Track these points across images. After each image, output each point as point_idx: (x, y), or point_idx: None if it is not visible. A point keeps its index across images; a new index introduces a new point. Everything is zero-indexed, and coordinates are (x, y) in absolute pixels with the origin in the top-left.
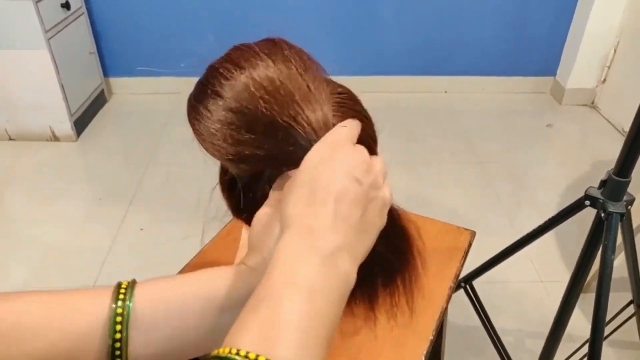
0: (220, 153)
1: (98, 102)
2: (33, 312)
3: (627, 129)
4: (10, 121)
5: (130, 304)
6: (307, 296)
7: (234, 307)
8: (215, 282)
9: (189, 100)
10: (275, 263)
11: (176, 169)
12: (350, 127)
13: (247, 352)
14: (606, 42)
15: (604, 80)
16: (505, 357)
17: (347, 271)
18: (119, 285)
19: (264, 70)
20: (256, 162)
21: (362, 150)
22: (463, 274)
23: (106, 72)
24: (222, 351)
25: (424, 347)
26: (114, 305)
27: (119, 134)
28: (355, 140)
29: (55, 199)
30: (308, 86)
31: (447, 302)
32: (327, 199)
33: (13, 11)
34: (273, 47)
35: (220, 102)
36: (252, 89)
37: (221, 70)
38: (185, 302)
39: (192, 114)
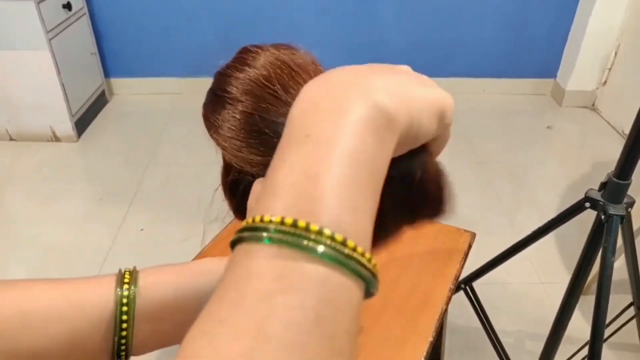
0: (252, 165)
1: (99, 103)
2: (39, 301)
3: (627, 131)
4: (11, 121)
5: (136, 288)
6: (338, 136)
7: None
8: (219, 264)
9: (205, 115)
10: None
11: (177, 169)
12: None
13: (283, 218)
14: (607, 44)
15: (605, 82)
16: (505, 359)
17: (384, 103)
18: (121, 272)
19: (276, 67)
20: None
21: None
22: (463, 275)
23: (107, 73)
24: (253, 220)
25: (423, 348)
26: (119, 290)
27: (120, 134)
28: None
29: (56, 199)
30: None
31: (447, 303)
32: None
33: (14, 12)
34: (283, 46)
35: (240, 107)
36: (269, 84)
37: (230, 73)
38: (190, 287)
39: (212, 129)
